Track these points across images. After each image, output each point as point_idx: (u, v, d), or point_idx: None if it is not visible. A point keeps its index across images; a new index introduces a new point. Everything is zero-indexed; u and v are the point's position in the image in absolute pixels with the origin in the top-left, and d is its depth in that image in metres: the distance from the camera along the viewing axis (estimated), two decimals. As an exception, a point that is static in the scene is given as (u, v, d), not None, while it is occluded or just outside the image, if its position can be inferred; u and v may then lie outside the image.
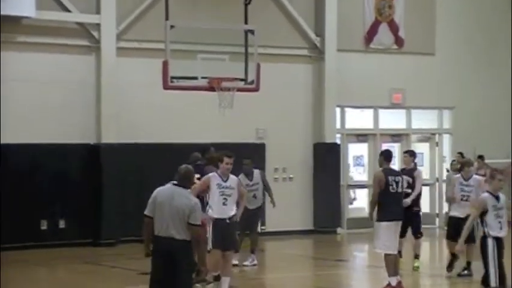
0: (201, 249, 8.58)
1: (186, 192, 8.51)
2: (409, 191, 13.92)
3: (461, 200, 13.60)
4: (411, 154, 14.61)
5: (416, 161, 14.77)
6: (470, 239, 13.38)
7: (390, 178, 11.91)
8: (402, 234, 13.96)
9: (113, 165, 17.44)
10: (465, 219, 13.39)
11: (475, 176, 13.84)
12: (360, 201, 20.93)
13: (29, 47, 17.09)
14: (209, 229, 11.41)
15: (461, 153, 20.79)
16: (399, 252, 14.35)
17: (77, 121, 17.59)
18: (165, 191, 8.51)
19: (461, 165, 14.33)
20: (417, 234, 14.27)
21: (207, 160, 13.08)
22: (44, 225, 17.25)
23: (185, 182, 8.57)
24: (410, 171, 14.21)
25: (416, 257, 14.34)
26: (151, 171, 16.85)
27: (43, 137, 17.02)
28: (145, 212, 8.55)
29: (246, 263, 14.61)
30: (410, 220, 13.86)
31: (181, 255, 8.32)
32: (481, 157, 21.11)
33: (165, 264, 8.35)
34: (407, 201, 13.54)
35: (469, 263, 13.60)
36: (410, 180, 14.08)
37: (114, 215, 17.34)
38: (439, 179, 21.28)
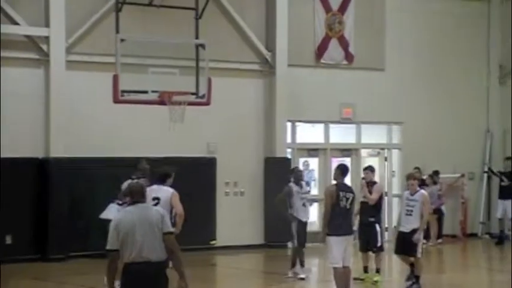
0: (178, 259, 7.87)
1: (146, 205, 8.06)
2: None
3: (406, 214, 13.74)
4: (372, 170, 14.91)
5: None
6: (412, 252, 13.62)
7: (341, 193, 12.06)
8: (363, 249, 14.16)
9: (61, 180, 17.23)
10: (411, 233, 13.60)
11: (421, 191, 13.95)
12: (310, 216, 20.92)
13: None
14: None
15: (418, 168, 21.10)
16: (365, 267, 14.47)
17: (25, 135, 17.37)
18: (127, 216, 7.84)
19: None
20: (373, 248, 14.35)
21: (141, 172, 13.00)
22: (-10, 241, 16.98)
23: (141, 197, 8.01)
24: (368, 184, 14.53)
25: (377, 271, 14.43)
26: (101, 186, 16.69)
27: (-10, 151, 16.77)
28: (109, 247, 7.74)
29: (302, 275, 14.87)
30: (368, 233, 14.03)
31: (158, 280, 7.71)
32: (436, 173, 21.37)
33: None
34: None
35: (417, 277, 13.73)
36: (369, 194, 14.41)
37: (63, 230, 17.11)
38: (388, 194, 21.44)
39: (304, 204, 14.89)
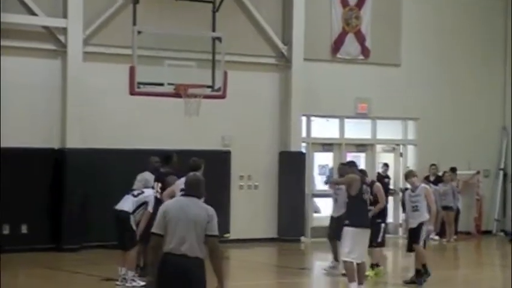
0: (219, 263, 7.60)
1: (198, 201, 7.66)
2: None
3: (412, 211, 13.81)
4: (364, 173, 14.69)
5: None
6: (415, 239, 13.67)
7: (364, 186, 12.34)
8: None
9: (76, 170, 17.31)
10: (416, 228, 13.66)
11: (422, 185, 14.09)
12: (324, 211, 20.96)
13: (-6, 49, 16.92)
14: None
15: (434, 165, 21.14)
16: (372, 264, 14.43)
17: (42, 125, 17.46)
18: (176, 204, 7.64)
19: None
20: (372, 243, 14.28)
21: (172, 166, 13.02)
22: (6, 230, 17.06)
23: (195, 191, 7.72)
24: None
25: (371, 266, 14.40)
26: (116, 177, 16.75)
27: (7, 140, 16.84)
28: (154, 230, 7.56)
29: None
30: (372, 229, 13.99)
31: (194, 274, 7.45)
32: (453, 169, 21.36)
33: (176, 285, 7.41)
34: (371, 213, 13.43)
35: (419, 270, 13.76)
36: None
37: (77, 220, 17.21)
38: (402, 189, 21.42)
39: (336, 200, 14.79)
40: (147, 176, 14.13)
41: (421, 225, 13.64)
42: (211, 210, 7.64)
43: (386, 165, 21.11)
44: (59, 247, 17.24)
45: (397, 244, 20.07)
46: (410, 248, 13.94)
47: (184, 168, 12.06)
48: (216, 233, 7.55)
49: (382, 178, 20.98)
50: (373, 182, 14.51)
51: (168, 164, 13.31)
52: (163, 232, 7.50)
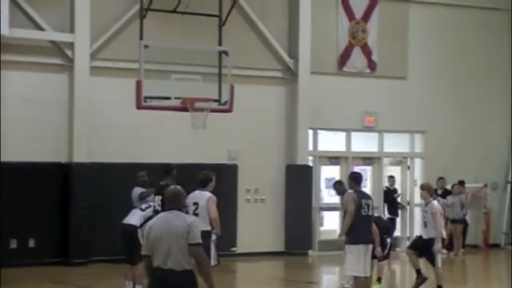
0: (205, 272, 7.55)
1: (178, 213, 7.62)
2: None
3: (423, 225, 13.85)
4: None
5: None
6: (431, 259, 13.64)
7: (363, 201, 11.99)
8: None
9: (84, 185, 17.33)
10: (427, 240, 13.62)
11: (431, 202, 13.84)
12: (332, 224, 20.93)
13: (2, 65, 16.96)
14: (212, 245, 11.70)
15: (442, 178, 21.08)
16: (379, 278, 14.35)
17: (49, 139, 17.49)
18: (158, 221, 7.64)
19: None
20: (376, 257, 14.17)
21: (171, 179, 13.05)
22: (13, 244, 17.07)
23: (175, 204, 7.70)
24: None
25: (378, 280, 14.31)
26: (123, 191, 16.70)
27: (14, 155, 16.88)
28: (142, 252, 7.69)
29: None
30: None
31: (183, 287, 7.48)
32: (461, 182, 21.29)
33: None
34: (379, 250, 13.27)
35: (439, 286, 13.72)
36: None
37: (85, 234, 17.21)
38: (410, 203, 21.38)
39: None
40: (140, 190, 14.10)
41: (431, 240, 13.59)
42: (190, 219, 7.67)
43: (392, 177, 21.08)
44: (67, 261, 17.23)
45: (405, 258, 19.97)
46: (413, 247, 14.03)
47: (194, 181, 12.15)
48: (198, 241, 7.51)
49: (391, 193, 20.98)
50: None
51: (168, 176, 13.32)
52: (150, 253, 7.57)
